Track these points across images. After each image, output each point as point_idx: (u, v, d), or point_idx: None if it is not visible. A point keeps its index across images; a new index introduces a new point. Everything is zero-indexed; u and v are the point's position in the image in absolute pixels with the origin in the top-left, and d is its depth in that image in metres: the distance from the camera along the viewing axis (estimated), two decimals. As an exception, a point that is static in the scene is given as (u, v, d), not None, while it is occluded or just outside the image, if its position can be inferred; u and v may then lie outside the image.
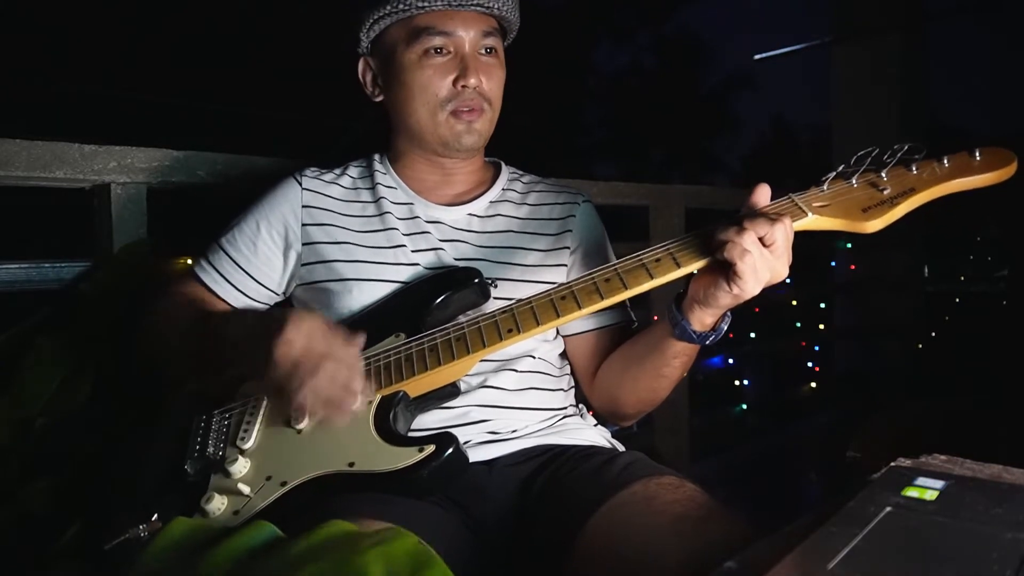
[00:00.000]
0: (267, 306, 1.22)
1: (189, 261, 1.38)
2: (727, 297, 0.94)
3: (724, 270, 0.92)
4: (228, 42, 12.24)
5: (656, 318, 1.35)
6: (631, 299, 1.03)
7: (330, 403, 0.91)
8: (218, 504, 0.91)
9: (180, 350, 1.09)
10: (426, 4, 1.14)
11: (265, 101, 11.58)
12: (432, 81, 1.15)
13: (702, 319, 0.99)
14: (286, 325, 0.91)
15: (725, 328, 1.02)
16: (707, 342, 1.02)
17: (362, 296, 1.13)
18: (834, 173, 0.98)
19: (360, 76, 1.26)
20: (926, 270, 4.96)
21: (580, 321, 1.19)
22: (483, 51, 1.18)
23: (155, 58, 11.90)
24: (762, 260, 0.90)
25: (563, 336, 1.25)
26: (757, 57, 6.40)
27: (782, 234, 0.90)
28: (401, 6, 1.14)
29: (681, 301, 1.01)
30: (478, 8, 1.16)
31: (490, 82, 1.18)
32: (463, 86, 1.15)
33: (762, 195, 0.96)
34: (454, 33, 1.15)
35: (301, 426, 0.97)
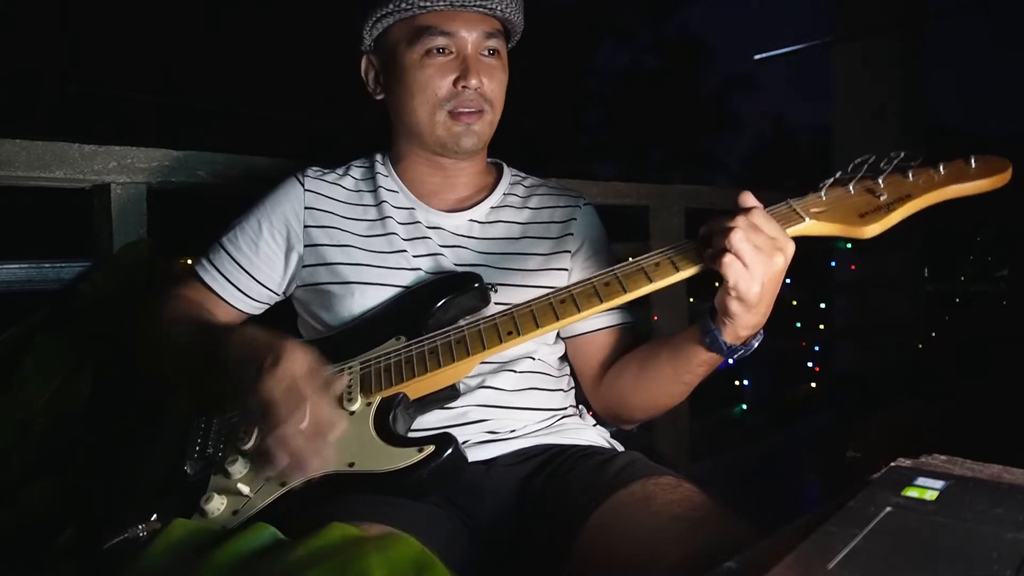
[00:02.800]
0: (267, 306, 1.22)
1: (189, 261, 1.38)
2: (731, 301, 0.92)
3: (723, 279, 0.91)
4: (228, 41, 12.23)
5: (659, 322, 1.34)
6: (632, 302, 1.03)
7: (295, 454, 0.86)
8: (217, 504, 0.91)
9: (177, 357, 1.08)
10: (429, 4, 1.13)
11: (265, 101, 11.58)
12: (432, 80, 1.15)
13: (734, 331, 0.97)
14: (281, 358, 0.88)
15: (755, 345, 1.01)
16: (735, 356, 1.00)
17: (364, 299, 1.13)
18: (832, 179, 0.99)
19: (362, 74, 1.25)
20: (926, 270, 4.96)
21: (583, 322, 1.19)
22: (485, 52, 1.18)
23: (155, 58, 11.89)
24: (745, 242, 0.88)
25: (565, 338, 1.25)
26: (757, 57, 6.40)
27: (761, 216, 0.90)
28: (404, 5, 1.14)
29: (715, 313, 0.99)
30: (481, 9, 1.16)
31: (491, 83, 1.17)
32: (463, 87, 1.14)
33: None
34: (456, 33, 1.15)
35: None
